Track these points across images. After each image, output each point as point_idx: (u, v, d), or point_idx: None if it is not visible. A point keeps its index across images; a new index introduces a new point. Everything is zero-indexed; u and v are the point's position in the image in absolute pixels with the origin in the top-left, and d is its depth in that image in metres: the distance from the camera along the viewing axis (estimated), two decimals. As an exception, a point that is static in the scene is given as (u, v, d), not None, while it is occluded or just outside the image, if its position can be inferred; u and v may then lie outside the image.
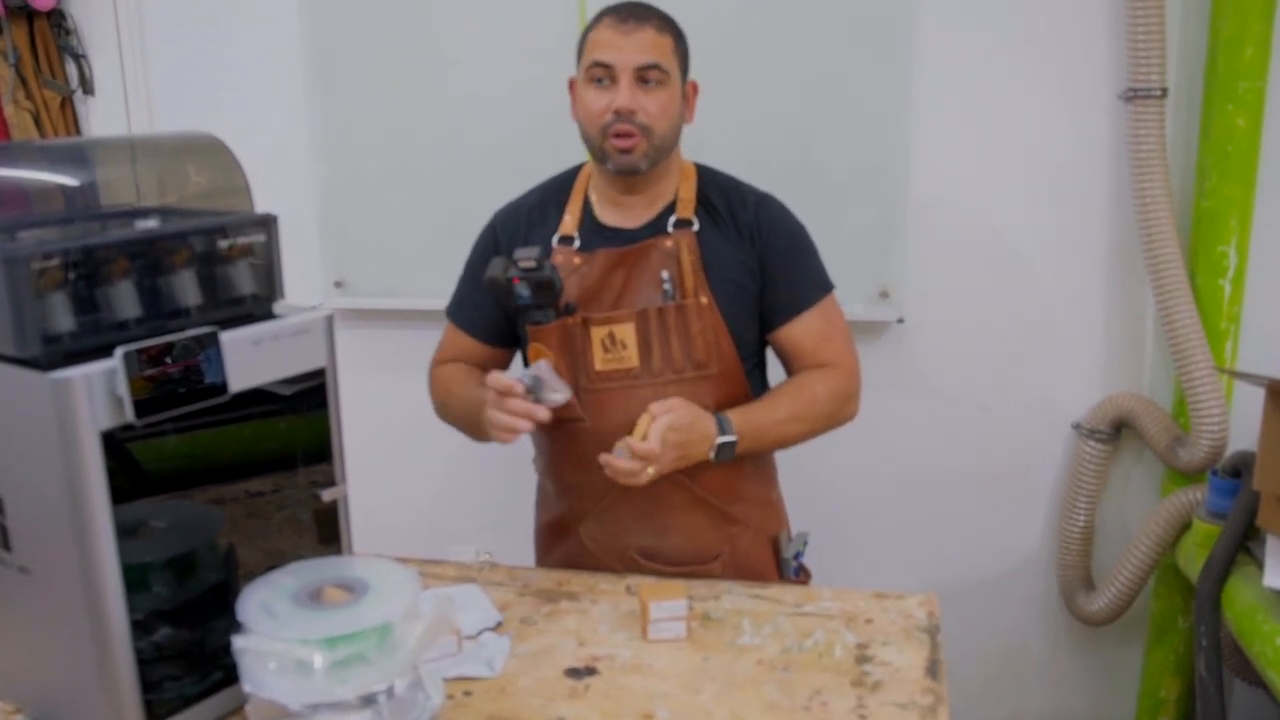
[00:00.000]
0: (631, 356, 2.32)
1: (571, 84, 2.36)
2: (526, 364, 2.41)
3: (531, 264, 2.19)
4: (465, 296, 2.53)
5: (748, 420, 2.27)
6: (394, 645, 1.64)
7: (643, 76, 2.23)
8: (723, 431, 2.23)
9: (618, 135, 2.25)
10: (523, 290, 2.21)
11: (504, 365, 2.54)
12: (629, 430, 2.14)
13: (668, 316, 2.30)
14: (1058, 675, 3.70)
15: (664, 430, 2.12)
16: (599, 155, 2.32)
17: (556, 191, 2.47)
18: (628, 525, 2.43)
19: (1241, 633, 2.67)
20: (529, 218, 2.46)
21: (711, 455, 2.23)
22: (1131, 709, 3.58)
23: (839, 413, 2.40)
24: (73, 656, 1.65)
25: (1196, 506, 3.09)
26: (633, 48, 2.22)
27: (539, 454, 2.57)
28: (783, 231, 2.38)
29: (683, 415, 2.16)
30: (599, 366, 2.32)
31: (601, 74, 2.25)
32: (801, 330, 2.38)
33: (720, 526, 2.45)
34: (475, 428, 2.33)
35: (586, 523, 2.47)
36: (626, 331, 2.31)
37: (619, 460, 2.12)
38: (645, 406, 2.18)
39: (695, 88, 2.38)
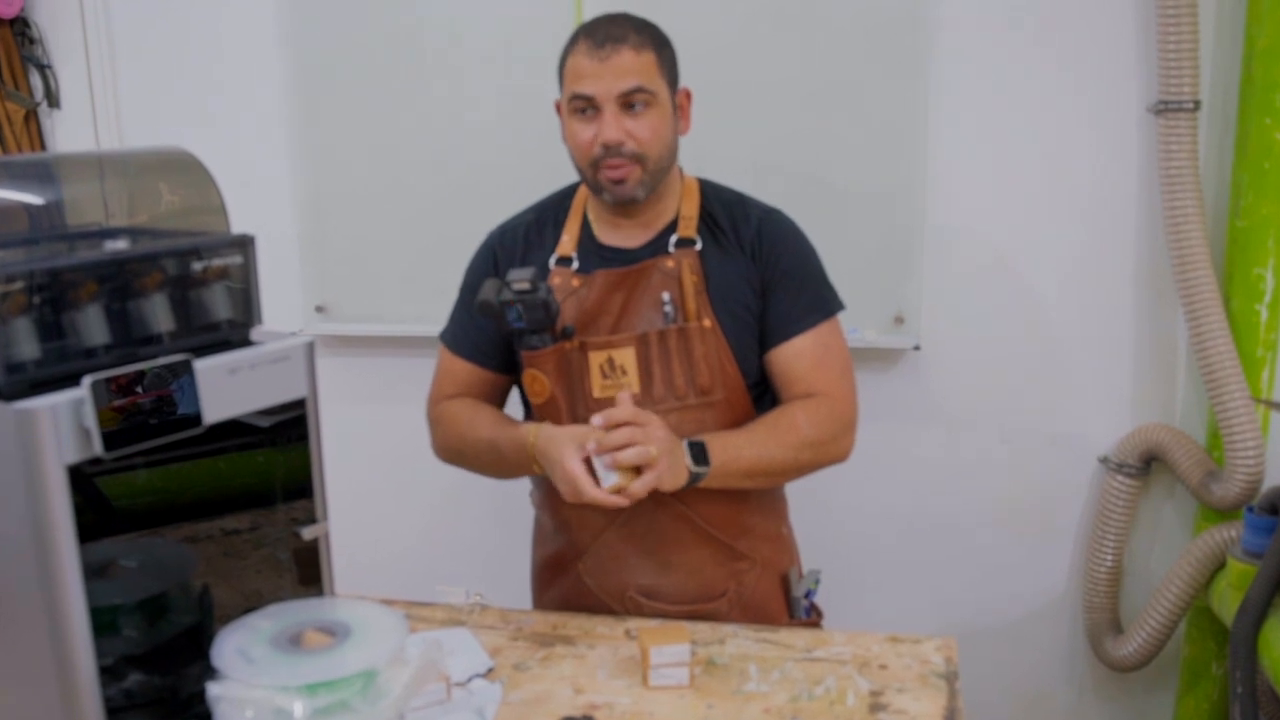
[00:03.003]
0: (632, 382, 2.32)
1: (558, 106, 2.37)
2: (523, 391, 2.41)
3: (525, 285, 2.19)
4: (461, 320, 2.53)
5: (720, 442, 2.24)
6: (379, 693, 1.63)
7: (627, 102, 2.24)
8: (694, 456, 2.20)
9: (609, 168, 2.27)
10: (516, 313, 2.22)
11: (507, 391, 2.56)
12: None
13: (669, 340, 2.31)
14: (1085, 725, 3.69)
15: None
16: (594, 187, 2.35)
17: (554, 210, 2.49)
18: (628, 561, 2.43)
19: (1279, 680, 2.67)
20: (527, 237, 2.47)
21: (688, 462, 2.19)
22: (1163, 761, 3.58)
23: (827, 446, 2.36)
24: (37, 704, 1.64)
25: (1231, 545, 3.09)
26: (611, 74, 2.22)
27: (535, 487, 2.57)
28: (785, 248, 2.38)
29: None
30: (597, 393, 2.33)
31: (584, 105, 2.26)
32: (793, 354, 2.37)
33: (726, 563, 2.45)
34: (509, 469, 2.38)
35: (585, 559, 2.47)
36: (626, 356, 2.32)
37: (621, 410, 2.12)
38: None
39: (688, 95, 2.38)
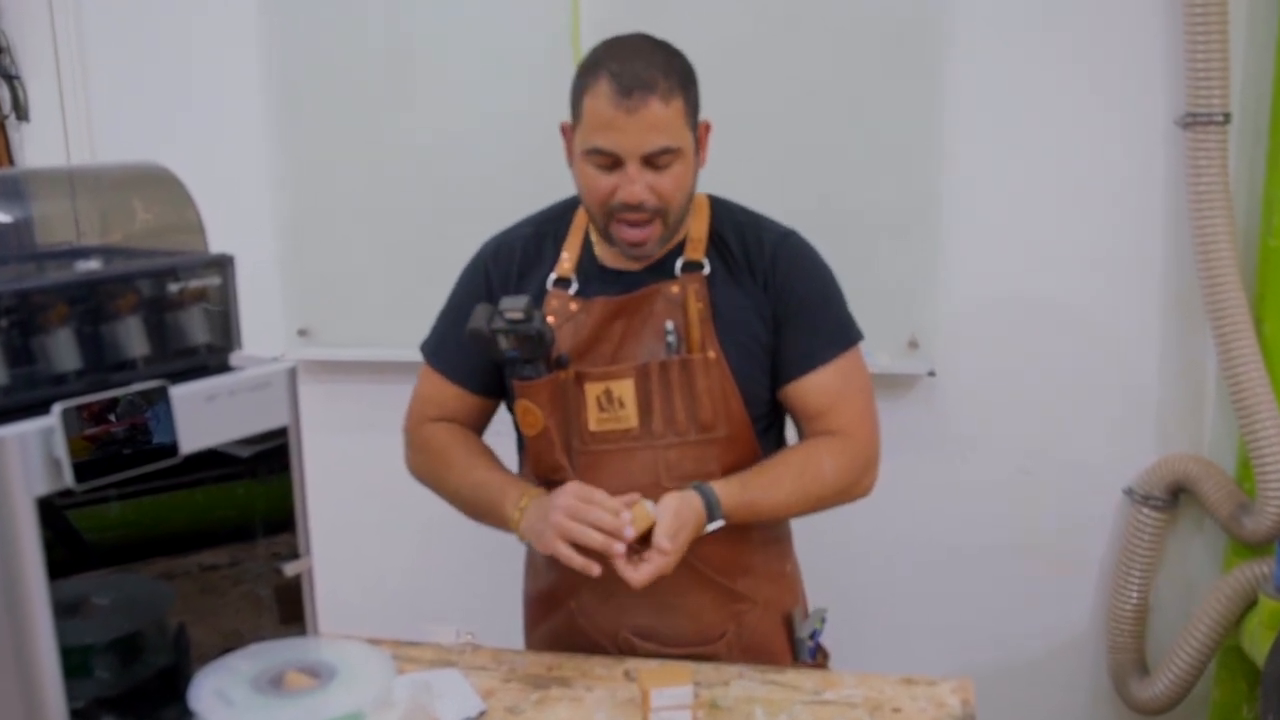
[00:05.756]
0: (630, 416, 2.31)
1: (564, 129, 2.31)
2: (514, 417, 2.40)
3: (518, 315, 2.17)
4: (447, 336, 2.49)
5: (742, 500, 2.25)
6: (364, 738, 1.63)
7: (652, 162, 2.18)
8: (711, 518, 2.22)
9: (627, 224, 2.23)
10: (508, 342, 2.20)
11: (490, 416, 2.55)
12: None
13: (670, 372, 2.29)
14: (1109, 771, 3.68)
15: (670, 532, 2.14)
16: (603, 233, 2.30)
17: (554, 225, 2.45)
18: (622, 601, 2.39)
19: (1315, 723, 2.67)
20: (523, 254, 2.43)
21: (705, 526, 2.23)
22: (1192, 809, 3.57)
23: (850, 490, 2.38)
24: (3, 751, 1.65)
25: (1263, 581, 3.08)
26: (638, 129, 2.15)
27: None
28: (801, 274, 2.36)
29: (682, 517, 2.17)
30: (593, 427, 2.32)
31: (604, 161, 2.20)
32: (813, 388, 2.36)
33: (725, 604, 2.43)
34: (484, 514, 2.38)
35: (578, 596, 2.45)
36: (624, 388, 2.30)
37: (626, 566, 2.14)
38: (644, 472, 2.21)
39: (708, 128, 2.33)
